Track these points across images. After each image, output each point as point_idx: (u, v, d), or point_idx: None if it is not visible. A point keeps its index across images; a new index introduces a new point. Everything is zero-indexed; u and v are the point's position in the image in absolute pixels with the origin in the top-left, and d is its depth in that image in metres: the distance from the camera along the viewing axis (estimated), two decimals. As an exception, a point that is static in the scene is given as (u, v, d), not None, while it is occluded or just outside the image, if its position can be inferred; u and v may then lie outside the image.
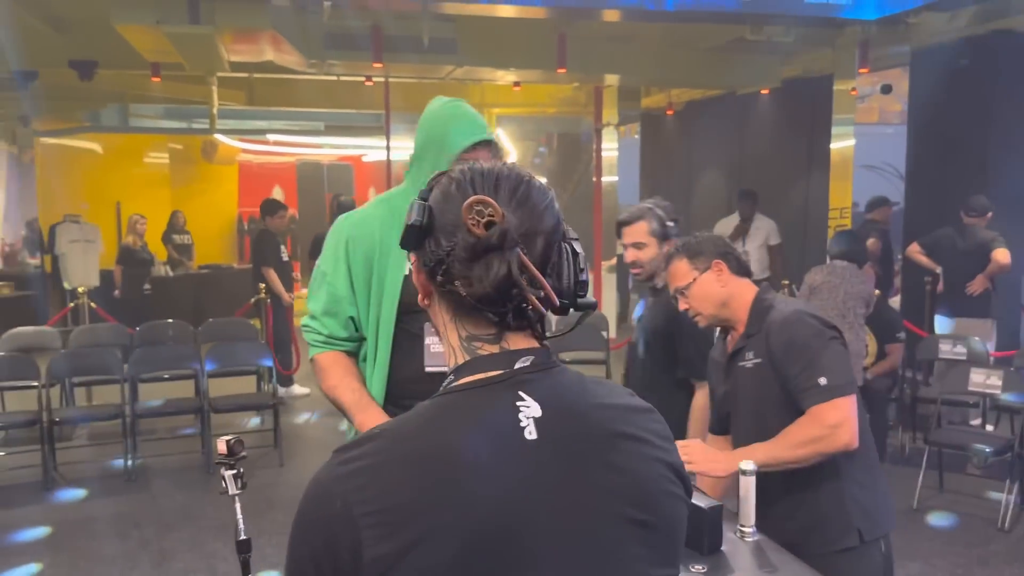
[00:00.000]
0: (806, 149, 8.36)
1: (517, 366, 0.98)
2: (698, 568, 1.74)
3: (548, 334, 1.03)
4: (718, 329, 2.35)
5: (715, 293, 2.19)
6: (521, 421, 0.95)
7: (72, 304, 6.93)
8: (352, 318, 2.14)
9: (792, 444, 1.99)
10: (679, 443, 2.05)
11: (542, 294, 0.96)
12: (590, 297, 1.04)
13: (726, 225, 7.60)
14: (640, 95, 10.39)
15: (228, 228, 12.22)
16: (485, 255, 0.95)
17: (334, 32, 6.76)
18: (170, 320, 6.79)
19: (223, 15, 5.72)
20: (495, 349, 0.99)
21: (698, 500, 1.83)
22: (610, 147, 9.61)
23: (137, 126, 11.38)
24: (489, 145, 2.10)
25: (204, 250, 11.19)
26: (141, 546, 4.42)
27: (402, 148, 10.15)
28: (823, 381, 1.98)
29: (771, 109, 8.80)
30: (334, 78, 8.75)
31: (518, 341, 1.00)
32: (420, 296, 1.05)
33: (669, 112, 10.64)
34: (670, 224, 2.73)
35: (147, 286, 9.23)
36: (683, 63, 7.99)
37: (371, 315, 2.13)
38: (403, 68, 7.82)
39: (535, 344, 1.01)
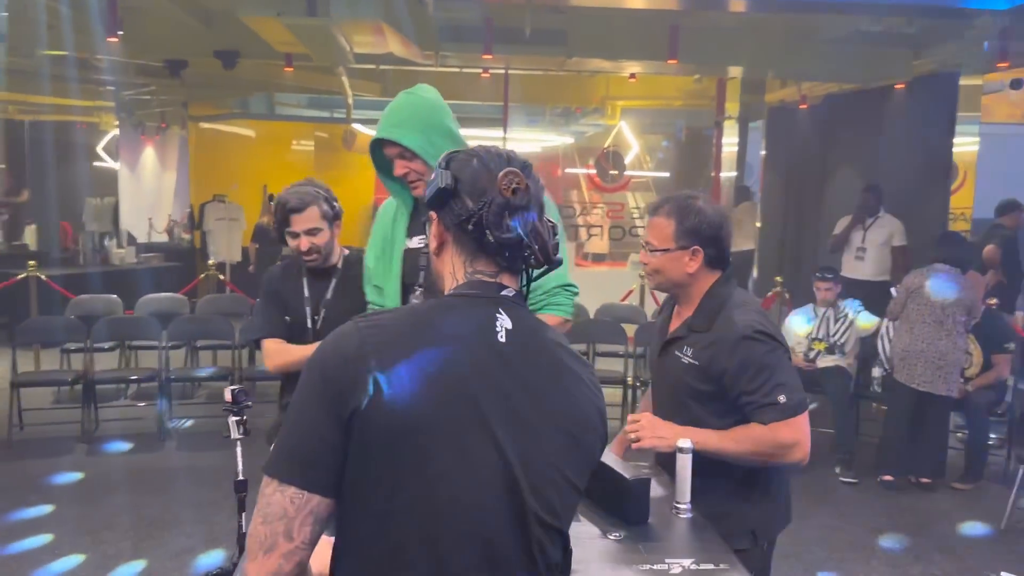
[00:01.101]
0: (943, 148, 7.88)
1: (502, 293, 1.30)
2: (615, 535, 1.79)
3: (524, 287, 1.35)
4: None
5: (678, 274, 2.14)
6: (496, 327, 1.26)
7: (203, 276, 7.54)
8: (378, 286, 2.49)
9: (746, 445, 1.99)
10: (633, 416, 2.13)
11: (539, 246, 1.28)
12: (559, 257, 1.35)
13: (846, 222, 7.30)
14: (764, 88, 10.08)
15: (364, 213, 12.81)
16: (516, 212, 1.26)
17: (447, 24, 6.99)
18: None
19: (338, 6, 6.04)
20: (489, 280, 1.30)
21: (625, 471, 1.87)
22: (730, 141, 9.39)
23: (282, 114, 12.13)
24: (394, 145, 2.23)
25: (341, 233, 11.78)
26: (226, 496, 4.80)
27: (520, 140, 10.37)
28: (782, 399, 1.97)
29: (906, 105, 8.33)
30: (461, 70, 9.02)
31: (508, 280, 1.31)
32: (434, 244, 1.34)
33: (803, 106, 10.26)
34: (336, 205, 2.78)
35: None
36: (806, 55, 7.70)
37: (386, 284, 2.45)
38: (518, 60, 7.96)
39: (517, 288, 1.32)
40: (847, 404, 5.50)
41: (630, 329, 6.45)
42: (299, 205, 2.66)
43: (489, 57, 7.04)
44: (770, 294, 7.39)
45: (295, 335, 2.74)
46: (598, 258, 9.99)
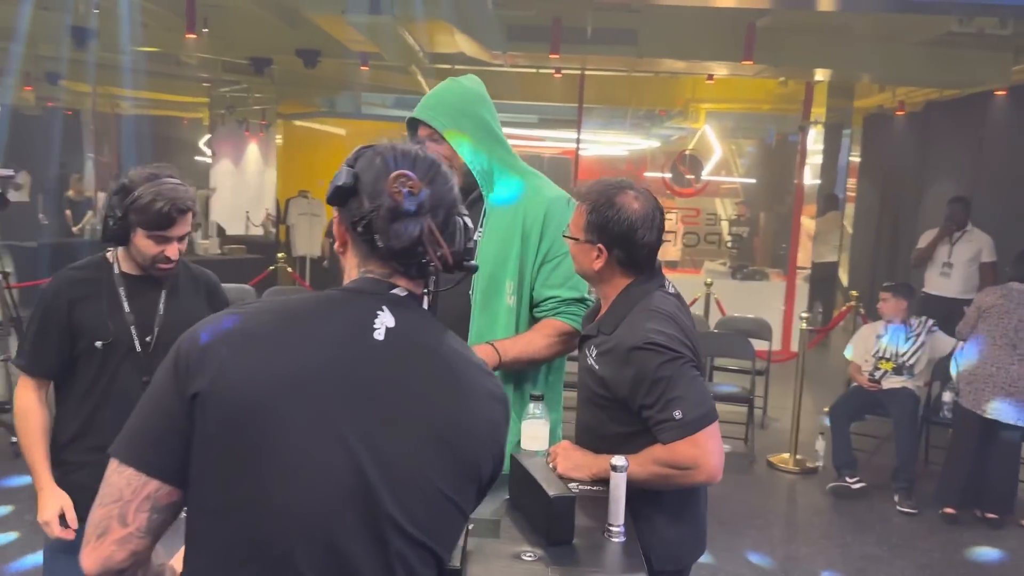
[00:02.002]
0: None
1: (392, 292, 1.24)
2: (529, 556, 1.68)
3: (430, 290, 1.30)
4: None
5: (587, 268, 2.02)
6: (375, 324, 1.20)
7: (271, 268, 7.74)
8: None
9: (648, 468, 1.86)
10: (554, 447, 2.03)
11: (439, 253, 1.22)
12: (473, 262, 1.31)
13: (932, 236, 6.88)
14: (853, 92, 9.60)
15: (445, 212, 12.90)
16: (404, 218, 1.19)
17: (515, 23, 6.93)
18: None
19: (401, 4, 6.05)
20: (380, 279, 1.25)
21: (551, 487, 1.76)
22: (817, 148, 8.99)
23: (368, 113, 12.32)
24: (421, 124, 2.23)
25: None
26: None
27: (600, 142, 10.23)
28: (678, 415, 1.82)
29: (1005, 112, 7.79)
30: (537, 71, 8.96)
31: (405, 283, 1.25)
32: (336, 243, 1.30)
33: (899, 112, 9.75)
34: None
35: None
36: (897, 58, 7.29)
37: None
38: (583, 60, 7.83)
39: (416, 290, 1.26)
40: (911, 429, 5.14)
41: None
42: (188, 207, 2.16)
43: (556, 57, 6.95)
44: (843, 308, 7.02)
45: (111, 361, 2.18)
46: (670, 265, 9.73)
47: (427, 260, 1.23)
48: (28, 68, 10.16)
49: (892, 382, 5.30)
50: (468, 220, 1.29)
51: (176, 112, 13.91)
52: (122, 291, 2.20)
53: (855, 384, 5.51)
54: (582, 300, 2.27)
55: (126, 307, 2.20)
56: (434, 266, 1.24)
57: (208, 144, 13.72)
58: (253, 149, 14.96)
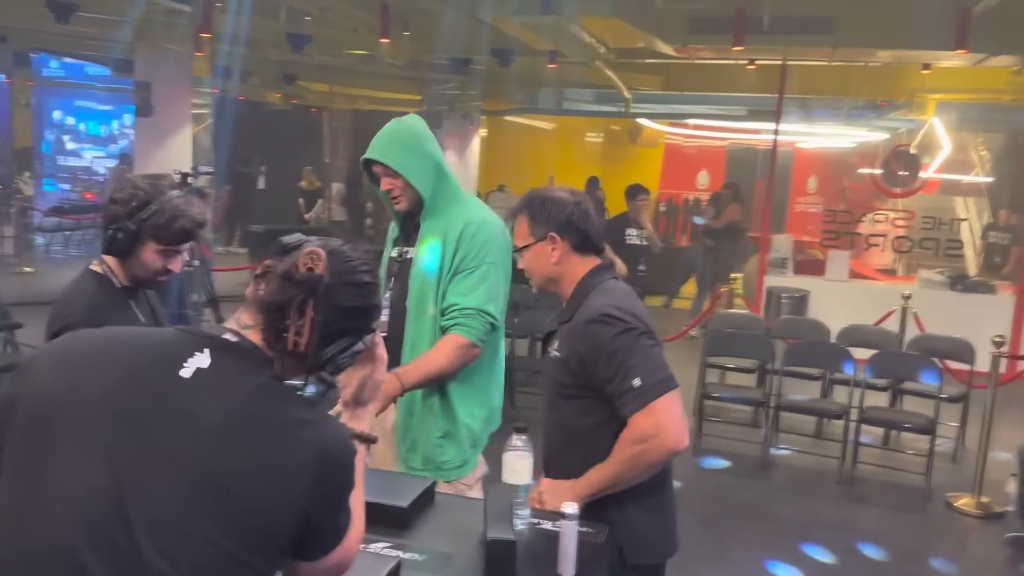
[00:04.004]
0: None
1: (224, 336, 1.26)
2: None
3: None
4: None
5: (546, 268, 2.05)
6: (186, 362, 1.22)
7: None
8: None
9: (621, 463, 1.88)
10: (538, 489, 1.97)
11: (298, 334, 1.25)
12: (328, 378, 1.34)
13: None
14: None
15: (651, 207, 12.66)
16: (288, 282, 1.26)
17: (695, 16, 6.65)
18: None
19: (569, 3, 6.00)
20: (232, 325, 1.29)
21: (494, 529, 1.68)
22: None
23: (569, 108, 12.33)
24: (379, 165, 2.43)
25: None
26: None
27: (809, 134, 9.59)
28: (637, 383, 1.85)
29: None
30: (736, 62, 8.55)
31: (255, 337, 1.27)
32: None
33: None
34: None
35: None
36: None
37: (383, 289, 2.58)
38: (767, 51, 7.34)
39: (267, 351, 1.27)
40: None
41: (867, 353, 5.65)
42: (203, 221, 2.16)
43: (740, 48, 6.58)
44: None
45: None
46: (886, 272, 8.92)
47: (283, 331, 1.25)
48: (266, 71, 11.19)
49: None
50: (357, 348, 1.33)
51: (396, 109, 14.73)
52: (133, 304, 2.18)
53: (1059, 421, 4.78)
54: (483, 312, 2.35)
55: (141, 319, 2.19)
56: (286, 337, 1.25)
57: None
58: (476, 143, 15.60)
